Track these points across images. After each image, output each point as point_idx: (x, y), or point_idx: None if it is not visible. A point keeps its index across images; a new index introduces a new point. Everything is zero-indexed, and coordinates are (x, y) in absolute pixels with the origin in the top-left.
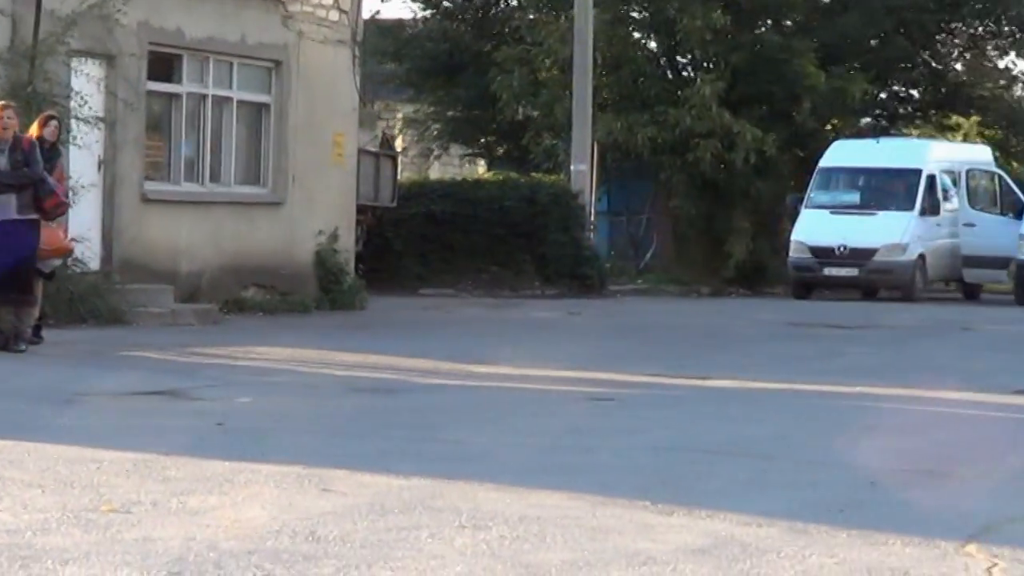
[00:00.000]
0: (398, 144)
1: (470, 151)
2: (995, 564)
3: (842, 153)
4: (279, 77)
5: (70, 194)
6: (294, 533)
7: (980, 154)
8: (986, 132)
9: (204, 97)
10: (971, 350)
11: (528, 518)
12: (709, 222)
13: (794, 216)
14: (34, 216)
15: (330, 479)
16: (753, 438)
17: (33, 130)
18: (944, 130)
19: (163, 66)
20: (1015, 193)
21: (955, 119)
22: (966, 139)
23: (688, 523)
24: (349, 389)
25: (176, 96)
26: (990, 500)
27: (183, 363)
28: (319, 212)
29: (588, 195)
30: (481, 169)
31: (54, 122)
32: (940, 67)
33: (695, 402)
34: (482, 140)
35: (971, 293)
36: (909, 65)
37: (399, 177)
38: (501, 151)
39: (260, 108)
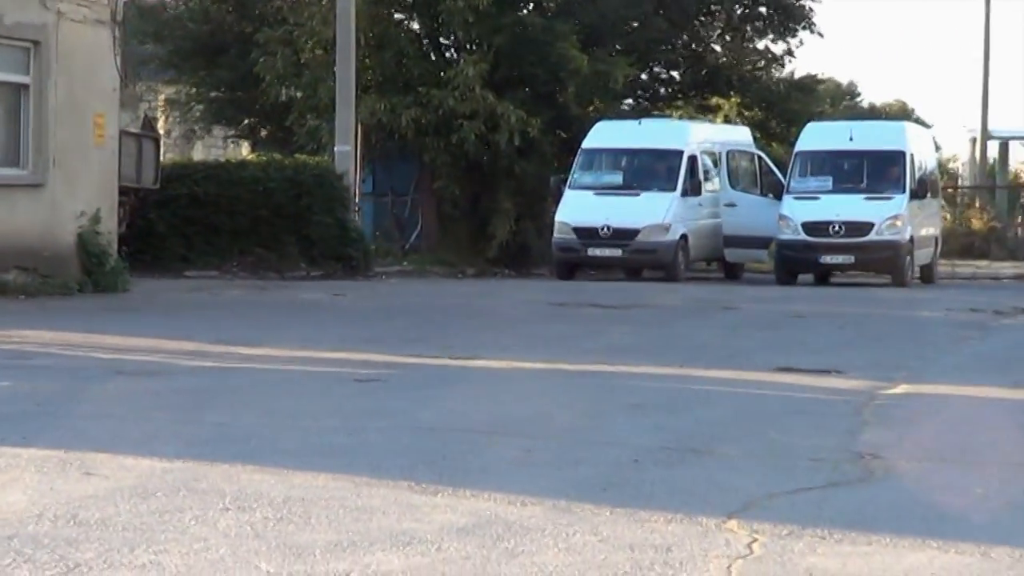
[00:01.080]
0: (160, 126)
1: (234, 132)
2: (755, 539)
3: (605, 134)
4: (38, 57)
5: None
6: (55, 517)
7: (740, 135)
8: (746, 113)
9: None
10: (732, 329)
11: (293, 499)
12: (474, 203)
13: (558, 197)
14: None
15: (93, 463)
16: (518, 418)
17: None
18: (705, 111)
19: None
20: (774, 174)
21: (715, 100)
22: (727, 120)
23: (453, 503)
24: (113, 372)
25: None
26: (750, 477)
27: None
28: (80, 194)
29: (352, 176)
30: (245, 150)
31: None
32: (700, 49)
33: (461, 382)
34: (246, 121)
35: (732, 273)
36: (670, 47)
37: (162, 158)
38: (265, 132)
39: (19, 89)
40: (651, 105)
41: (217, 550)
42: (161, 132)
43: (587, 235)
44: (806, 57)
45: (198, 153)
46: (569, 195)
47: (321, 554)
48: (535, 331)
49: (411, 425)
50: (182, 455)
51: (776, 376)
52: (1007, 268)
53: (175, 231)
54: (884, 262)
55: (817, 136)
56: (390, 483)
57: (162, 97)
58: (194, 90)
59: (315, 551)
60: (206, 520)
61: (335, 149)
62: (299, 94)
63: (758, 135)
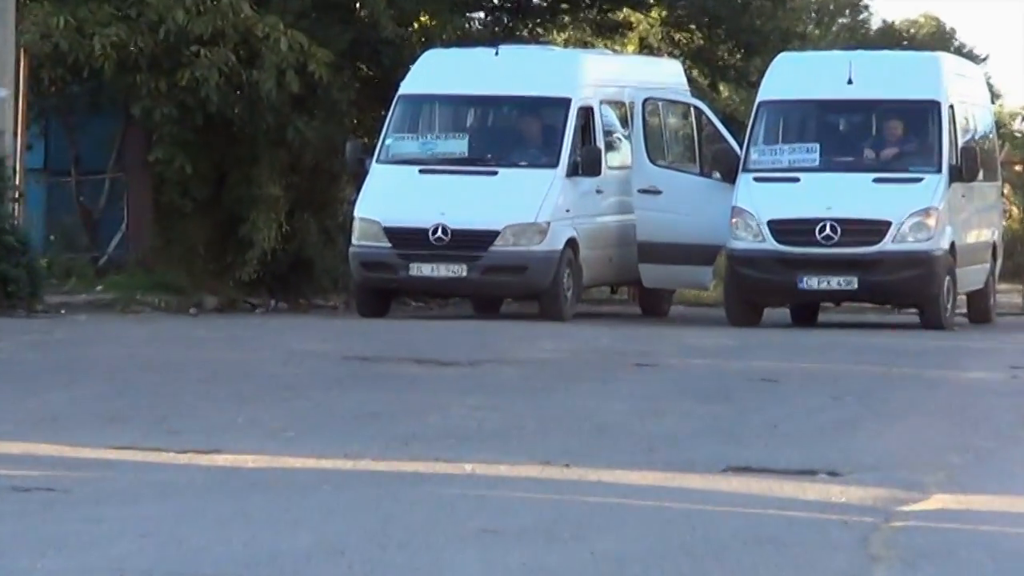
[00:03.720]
0: None
1: None
2: None
3: (437, 72)
4: None
5: None
6: None
7: (667, 74)
8: (677, 36)
9: None
10: (653, 400)
11: None
12: (217, 188)
13: (359, 178)
14: None
15: None
16: (290, 553)
17: None
18: (608, 33)
19: None
20: (724, 139)
21: (626, 13)
22: (645, 49)
23: None
24: None
25: None
26: None
27: None
28: None
29: (10, 141)
30: None
31: None
32: None
33: (194, 492)
34: None
35: (654, 305)
36: None
37: None
38: None
39: None
40: (517, 23)
41: None
42: None
43: (408, 242)
44: None
45: None
46: (378, 174)
47: None
48: (320, 405)
49: (105, 567)
50: None
51: (727, 481)
52: None
53: None
54: (907, 288)
55: (795, 76)
56: None
57: None
58: None
59: None
60: None
61: None
62: None
63: (697, 74)
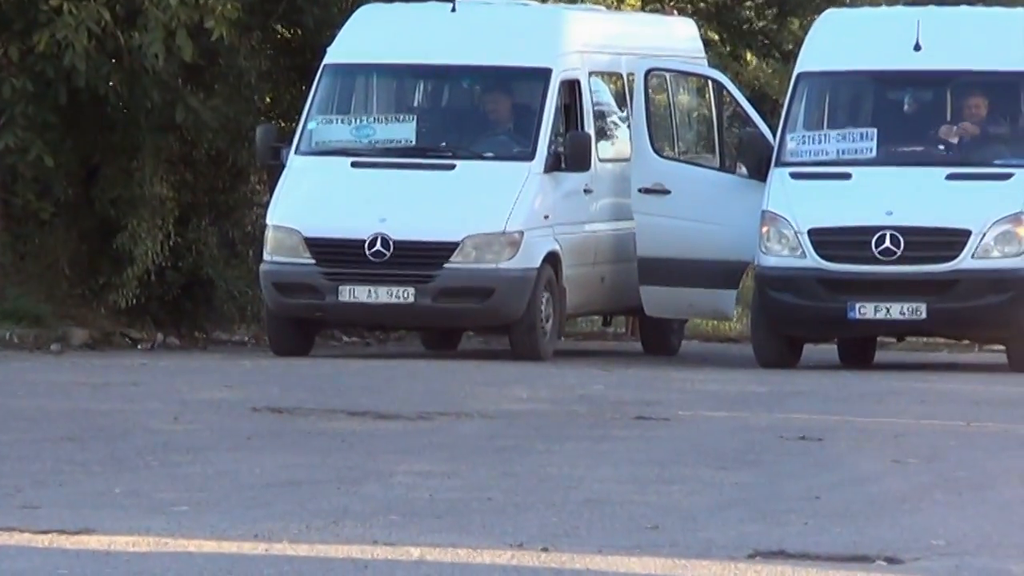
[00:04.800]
0: None
1: None
2: None
3: (376, 33)
4: None
5: None
6: None
7: (677, 38)
8: None
9: None
10: (659, 465)
11: None
12: (86, 186)
13: (274, 172)
14: None
15: None
16: None
17: None
18: None
19: None
20: (752, 122)
21: None
22: (648, 6)
23: None
24: None
25: None
26: None
27: None
28: None
29: None
30: None
31: None
32: None
33: None
34: None
35: (657, 340)
36: None
37: None
38: None
39: None
40: None
41: None
42: None
43: (338, 258)
44: None
45: None
46: (298, 169)
47: None
48: (223, 471)
49: None
50: None
51: (755, 570)
52: None
53: None
54: (991, 318)
55: (844, 41)
56: None
57: None
58: None
59: None
60: None
61: None
62: None
63: (716, 38)
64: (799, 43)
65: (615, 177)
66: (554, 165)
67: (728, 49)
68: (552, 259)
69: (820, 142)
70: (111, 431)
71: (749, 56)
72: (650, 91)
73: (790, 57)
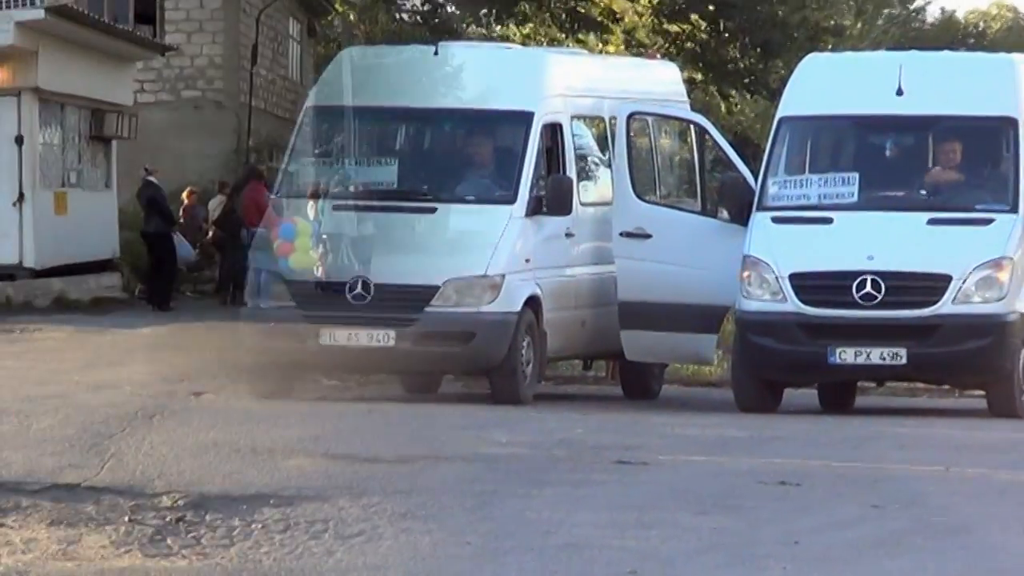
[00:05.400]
0: None
1: None
2: None
3: (358, 75)
4: None
5: None
6: None
7: (659, 81)
8: (673, 29)
9: None
10: (638, 511)
11: None
12: None
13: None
14: None
15: None
16: None
17: None
18: (583, 29)
19: None
20: (734, 166)
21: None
22: (631, 48)
23: None
24: None
25: None
26: None
27: None
28: None
29: None
30: None
31: None
32: None
33: None
34: None
35: (638, 384)
36: None
37: None
38: None
39: None
40: (462, 14)
41: None
42: None
43: (319, 301)
44: None
45: None
46: (280, 210)
47: None
48: None
49: None
50: None
51: None
52: None
53: None
54: (972, 363)
55: (827, 85)
56: None
57: None
58: None
59: None
60: None
61: None
62: None
63: (699, 80)
64: (785, 81)
65: (597, 221)
66: (535, 209)
67: (715, 88)
68: (533, 303)
69: (802, 186)
70: None
71: (733, 98)
72: (632, 135)
73: (776, 95)
